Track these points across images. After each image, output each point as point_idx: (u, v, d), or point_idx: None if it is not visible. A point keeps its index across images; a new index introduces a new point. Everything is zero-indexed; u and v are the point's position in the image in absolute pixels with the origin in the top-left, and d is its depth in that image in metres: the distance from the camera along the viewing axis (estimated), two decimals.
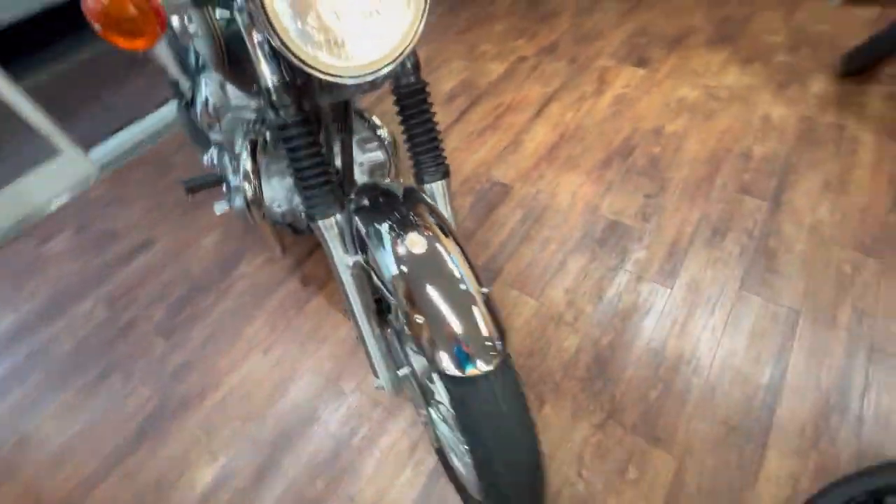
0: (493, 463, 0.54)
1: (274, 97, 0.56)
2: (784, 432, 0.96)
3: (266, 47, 0.54)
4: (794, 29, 1.92)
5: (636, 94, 1.81)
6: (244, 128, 0.89)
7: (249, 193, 0.89)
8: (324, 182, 0.62)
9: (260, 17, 0.43)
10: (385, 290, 0.62)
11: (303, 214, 1.09)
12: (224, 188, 1.28)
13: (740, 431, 0.97)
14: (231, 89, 0.85)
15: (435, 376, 0.78)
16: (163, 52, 1.04)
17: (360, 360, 1.21)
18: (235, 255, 1.53)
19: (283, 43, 0.45)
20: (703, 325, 1.14)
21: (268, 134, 0.90)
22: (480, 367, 0.50)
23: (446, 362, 0.50)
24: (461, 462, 0.83)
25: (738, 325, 1.13)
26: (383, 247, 0.58)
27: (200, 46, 0.68)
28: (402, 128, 0.68)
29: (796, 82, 1.69)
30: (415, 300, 0.53)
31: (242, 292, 1.42)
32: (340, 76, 0.49)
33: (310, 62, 0.47)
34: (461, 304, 0.52)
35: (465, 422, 0.54)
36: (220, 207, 1.16)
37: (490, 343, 0.51)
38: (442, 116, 1.90)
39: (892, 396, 0.97)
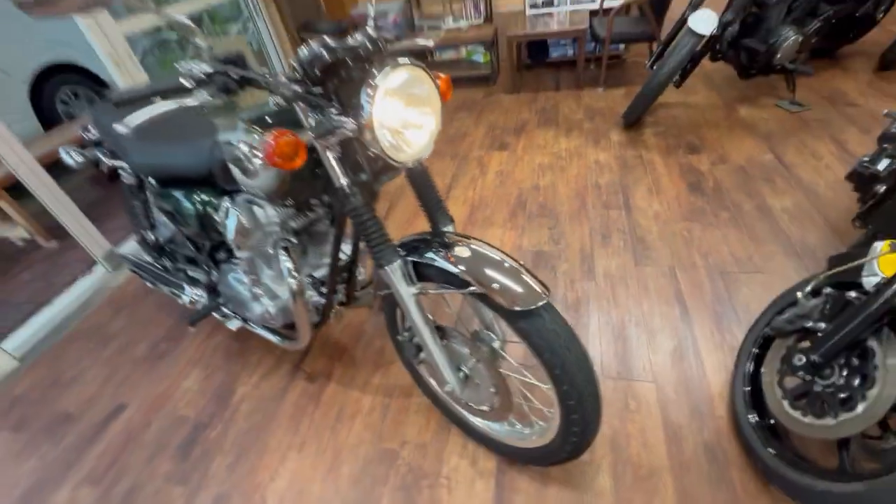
0: (567, 367, 0.82)
1: (347, 191, 0.86)
2: (704, 336, 1.39)
3: (337, 158, 0.84)
4: (586, 108, 2.86)
5: (509, 168, 2.44)
6: (273, 238, 1.11)
7: (295, 287, 1.09)
8: (386, 239, 0.90)
9: (370, 139, 0.75)
10: (451, 290, 0.89)
11: (331, 300, 1.28)
12: (221, 313, 1.40)
13: (681, 348, 1.38)
14: (258, 211, 1.10)
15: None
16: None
17: (395, 416, 1.34)
18: (227, 382, 1.55)
19: (382, 149, 0.77)
20: (626, 295, 1.59)
21: (293, 238, 1.14)
22: (539, 303, 0.81)
23: (517, 305, 0.80)
24: None
25: (646, 288, 1.60)
26: (439, 261, 0.88)
27: (261, 181, 0.94)
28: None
29: (603, 137, 2.51)
30: (482, 281, 0.83)
31: (251, 411, 1.45)
32: (405, 162, 0.82)
33: (393, 156, 0.79)
34: (512, 274, 0.83)
35: (541, 345, 0.82)
36: (234, 324, 1.26)
37: (540, 291, 0.82)
38: None
39: (744, 294, 1.50)
